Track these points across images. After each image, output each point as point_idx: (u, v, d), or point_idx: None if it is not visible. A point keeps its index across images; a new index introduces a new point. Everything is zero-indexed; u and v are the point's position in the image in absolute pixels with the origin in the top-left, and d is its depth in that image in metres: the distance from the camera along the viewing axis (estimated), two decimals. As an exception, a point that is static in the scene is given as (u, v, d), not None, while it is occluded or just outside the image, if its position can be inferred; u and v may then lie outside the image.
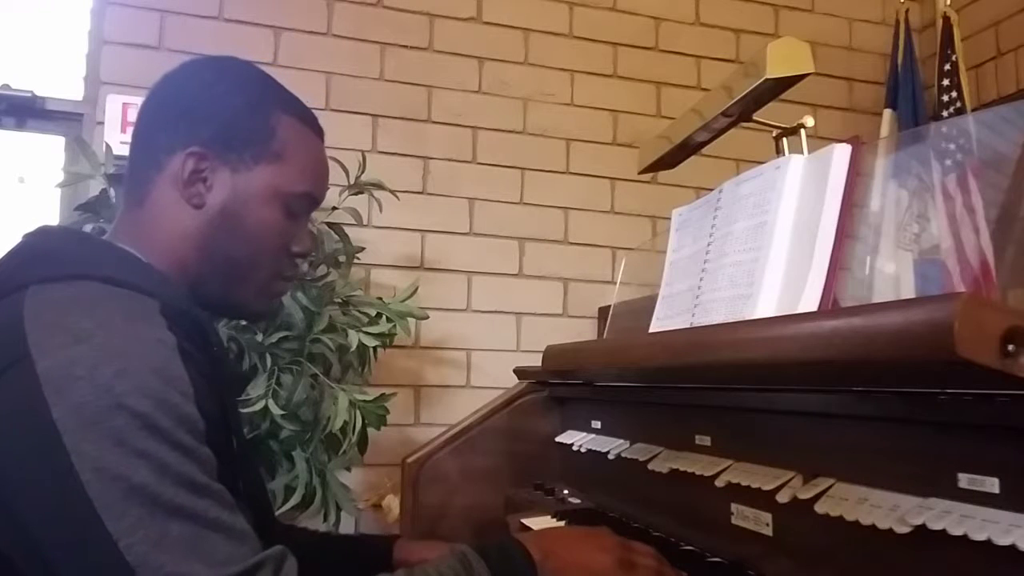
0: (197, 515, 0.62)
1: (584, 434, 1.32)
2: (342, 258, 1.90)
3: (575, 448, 1.30)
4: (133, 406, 0.61)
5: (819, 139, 0.91)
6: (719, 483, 0.87)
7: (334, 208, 1.91)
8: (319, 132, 0.91)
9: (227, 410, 0.77)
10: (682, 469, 0.95)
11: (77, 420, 0.59)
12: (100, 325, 0.64)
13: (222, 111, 0.83)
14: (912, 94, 2.55)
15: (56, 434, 0.59)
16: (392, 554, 1.05)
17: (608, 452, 1.17)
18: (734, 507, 0.88)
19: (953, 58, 2.41)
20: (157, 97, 0.86)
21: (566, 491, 1.35)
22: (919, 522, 0.59)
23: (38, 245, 0.77)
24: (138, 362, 0.63)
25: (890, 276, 0.96)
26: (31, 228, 0.81)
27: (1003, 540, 0.52)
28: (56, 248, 0.76)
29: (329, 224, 1.90)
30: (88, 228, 1.61)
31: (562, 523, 1.16)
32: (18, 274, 0.71)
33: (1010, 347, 0.50)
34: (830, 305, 0.83)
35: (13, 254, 0.77)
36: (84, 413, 0.60)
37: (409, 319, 1.89)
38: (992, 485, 0.56)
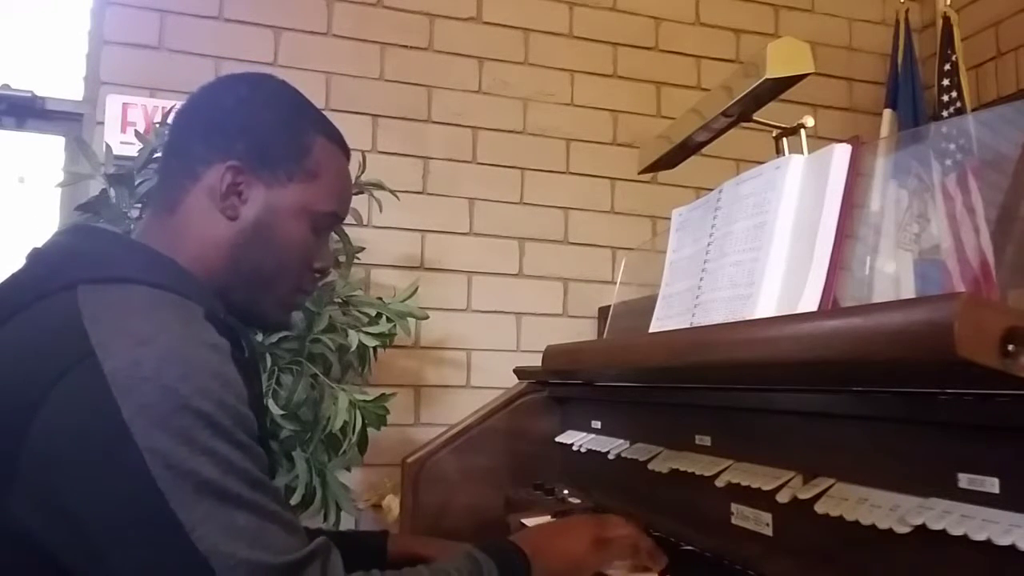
0: (259, 507, 0.65)
1: (584, 434, 1.32)
2: (342, 258, 1.90)
3: (575, 448, 1.30)
4: (198, 407, 0.64)
5: (819, 139, 0.91)
6: (719, 483, 0.87)
7: (334, 208, 1.91)
8: (347, 153, 0.94)
9: (258, 413, 0.79)
10: (682, 469, 0.95)
11: (146, 420, 0.62)
12: (160, 329, 0.67)
13: (259, 127, 0.86)
14: (912, 94, 2.55)
15: (127, 433, 0.61)
16: (386, 549, 1.06)
17: (608, 452, 1.17)
18: (734, 507, 0.87)
19: (953, 58, 2.41)
20: (193, 108, 0.89)
21: (566, 491, 1.34)
22: (919, 522, 0.59)
23: (79, 245, 0.79)
24: (199, 366, 0.66)
25: (890, 276, 0.96)
26: (66, 227, 0.84)
27: (1003, 540, 0.52)
28: (100, 250, 0.78)
29: (329, 224, 1.90)
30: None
31: (561, 523, 1.16)
32: (63, 273, 0.72)
33: (1010, 347, 0.50)
34: (830, 305, 0.83)
35: (51, 252, 0.78)
36: (152, 413, 0.62)
37: (409, 319, 1.89)
38: (992, 485, 0.56)
